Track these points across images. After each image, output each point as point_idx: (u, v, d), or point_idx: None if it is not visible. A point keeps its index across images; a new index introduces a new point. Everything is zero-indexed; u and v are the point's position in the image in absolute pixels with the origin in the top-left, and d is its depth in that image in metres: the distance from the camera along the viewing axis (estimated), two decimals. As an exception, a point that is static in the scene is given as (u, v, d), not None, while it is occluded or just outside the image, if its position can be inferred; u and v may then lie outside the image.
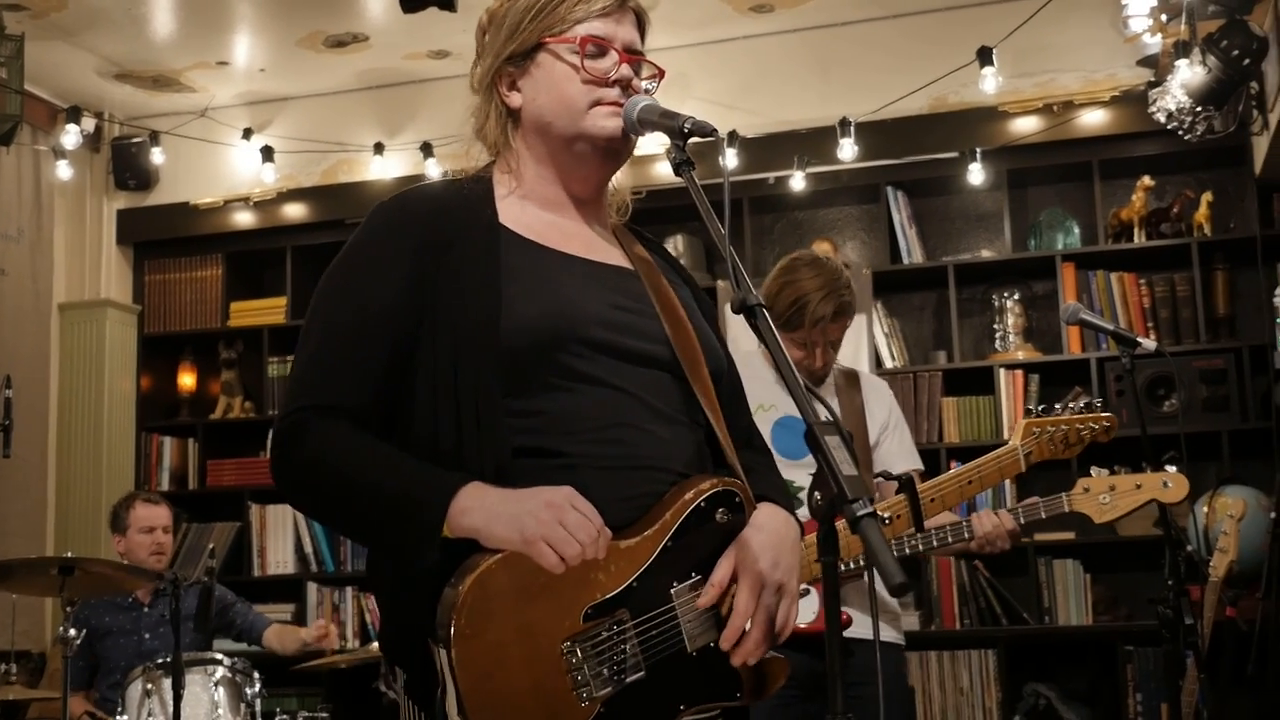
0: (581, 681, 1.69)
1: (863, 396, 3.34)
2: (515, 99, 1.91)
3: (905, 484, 2.04)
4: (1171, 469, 3.26)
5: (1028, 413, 2.83)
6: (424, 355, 1.78)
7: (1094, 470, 3.25)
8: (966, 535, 3.15)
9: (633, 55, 1.90)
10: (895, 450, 3.31)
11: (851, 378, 3.40)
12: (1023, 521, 3.18)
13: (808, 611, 3.06)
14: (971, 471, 2.86)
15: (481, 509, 1.67)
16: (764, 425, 3.22)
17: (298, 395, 1.80)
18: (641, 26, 1.94)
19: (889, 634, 3.22)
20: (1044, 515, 3.19)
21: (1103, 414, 3.08)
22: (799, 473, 3.18)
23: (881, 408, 3.37)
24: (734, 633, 1.77)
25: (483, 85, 1.94)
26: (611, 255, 1.94)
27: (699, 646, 1.78)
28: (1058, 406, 2.89)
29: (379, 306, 1.79)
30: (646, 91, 1.91)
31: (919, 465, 3.39)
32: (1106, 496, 3.16)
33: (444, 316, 1.77)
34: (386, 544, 1.78)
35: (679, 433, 1.85)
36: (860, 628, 3.06)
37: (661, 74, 1.95)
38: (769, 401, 3.25)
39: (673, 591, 1.77)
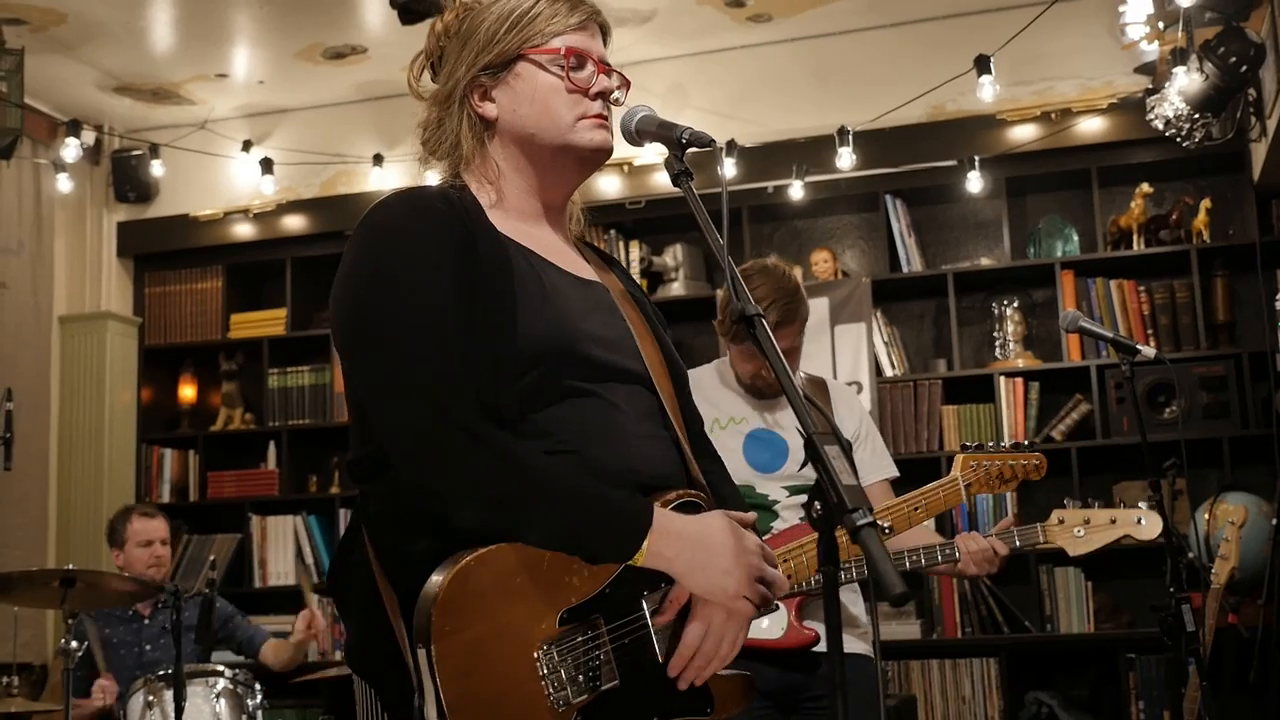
0: (558, 687, 1.68)
1: (832, 405, 3.34)
2: (490, 109, 1.92)
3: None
4: (1143, 505, 3.31)
5: (964, 448, 3.00)
6: None
7: (1069, 502, 3.33)
8: (954, 556, 3.17)
9: (605, 66, 1.94)
10: (869, 460, 3.30)
11: (820, 386, 3.39)
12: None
13: (776, 627, 3.06)
14: (918, 498, 2.95)
15: (678, 555, 1.71)
16: (735, 440, 3.21)
17: (448, 387, 1.68)
18: (605, 39, 1.99)
19: (860, 646, 3.21)
20: (1018, 544, 3.22)
21: (1032, 453, 3.18)
22: (773, 485, 3.18)
23: (852, 416, 3.36)
24: (680, 661, 1.79)
25: (451, 97, 1.95)
26: (582, 269, 1.96)
27: (670, 657, 1.79)
28: (990, 444, 3.07)
29: (453, 289, 1.74)
30: (616, 102, 1.94)
31: (894, 473, 3.38)
32: (1081, 530, 3.22)
33: (479, 313, 1.76)
34: (570, 551, 1.71)
35: (657, 444, 1.87)
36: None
37: (628, 84, 1.98)
38: (739, 415, 3.25)
39: (643, 601, 1.78)
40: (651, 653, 1.77)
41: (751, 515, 1.84)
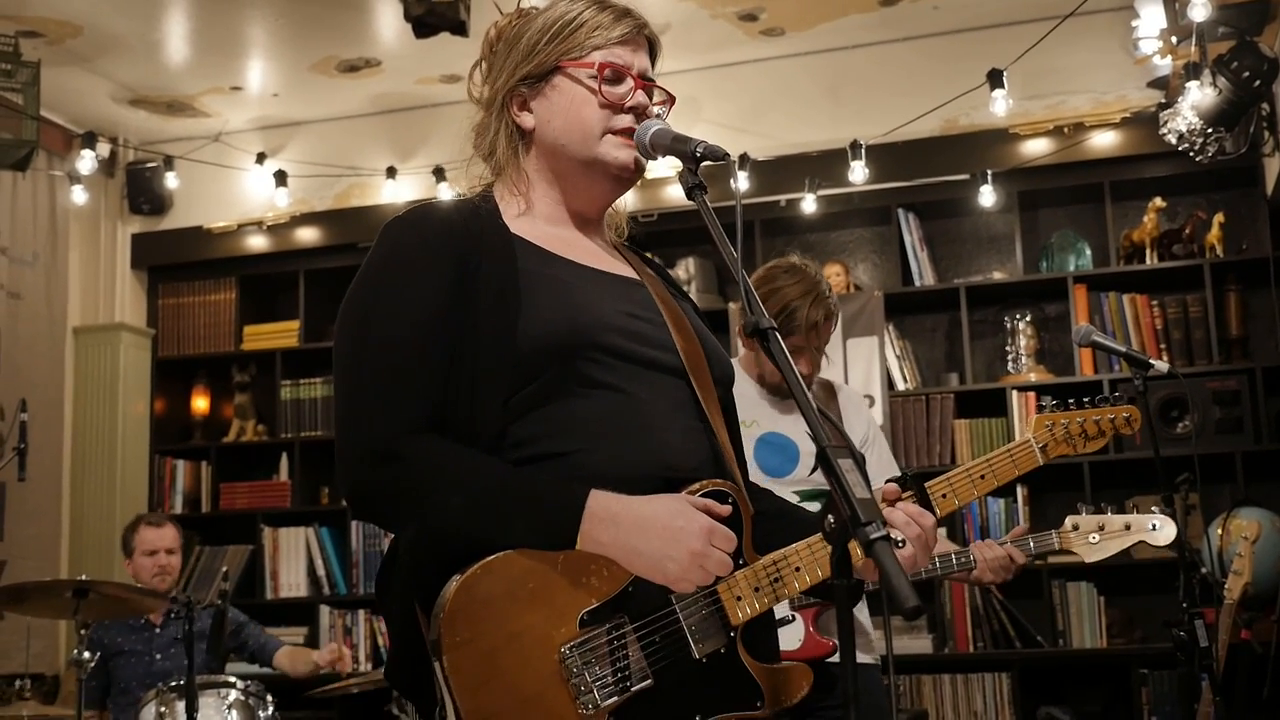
0: (584, 690, 1.67)
1: (840, 409, 3.33)
2: (528, 120, 1.93)
3: (911, 481, 2.02)
4: (1156, 510, 3.25)
5: (1040, 408, 2.62)
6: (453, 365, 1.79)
7: (1083, 508, 3.25)
8: (969, 564, 3.16)
9: (646, 82, 1.93)
10: (875, 466, 3.29)
11: (829, 390, 3.38)
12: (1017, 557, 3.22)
13: (793, 638, 3.05)
14: (983, 466, 2.56)
15: (614, 540, 1.69)
16: (746, 443, 3.22)
17: (380, 415, 1.74)
18: (654, 54, 1.98)
19: (865, 656, 3.21)
20: (1034, 549, 3.20)
21: (1123, 406, 2.75)
22: (783, 490, 3.18)
23: (860, 421, 3.36)
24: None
25: (493, 105, 1.95)
26: (617, 266, 1.96)
27: (708, 652, 1.76)
28: (1071, 402, 2.62)
29: (431, 315, 1.77)
30: (658, 116, 1.93)
31: None
32: (1095, 536, 3.19)
33: (472, 327, 1.78)
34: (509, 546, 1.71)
35: (691, 437, 1.85)
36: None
37: (672, 100, 1.97)
38: (749, 418, 3.24)
39: (672, 595, 1.75)
40: (688, 649, 1.75)
41: (724, 509, 1.77)
